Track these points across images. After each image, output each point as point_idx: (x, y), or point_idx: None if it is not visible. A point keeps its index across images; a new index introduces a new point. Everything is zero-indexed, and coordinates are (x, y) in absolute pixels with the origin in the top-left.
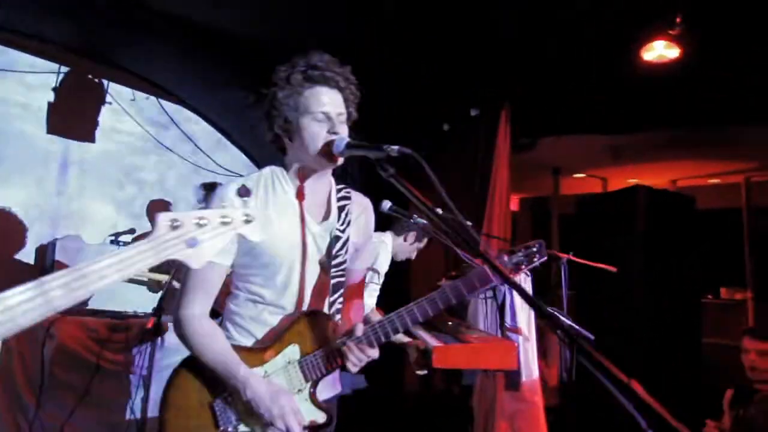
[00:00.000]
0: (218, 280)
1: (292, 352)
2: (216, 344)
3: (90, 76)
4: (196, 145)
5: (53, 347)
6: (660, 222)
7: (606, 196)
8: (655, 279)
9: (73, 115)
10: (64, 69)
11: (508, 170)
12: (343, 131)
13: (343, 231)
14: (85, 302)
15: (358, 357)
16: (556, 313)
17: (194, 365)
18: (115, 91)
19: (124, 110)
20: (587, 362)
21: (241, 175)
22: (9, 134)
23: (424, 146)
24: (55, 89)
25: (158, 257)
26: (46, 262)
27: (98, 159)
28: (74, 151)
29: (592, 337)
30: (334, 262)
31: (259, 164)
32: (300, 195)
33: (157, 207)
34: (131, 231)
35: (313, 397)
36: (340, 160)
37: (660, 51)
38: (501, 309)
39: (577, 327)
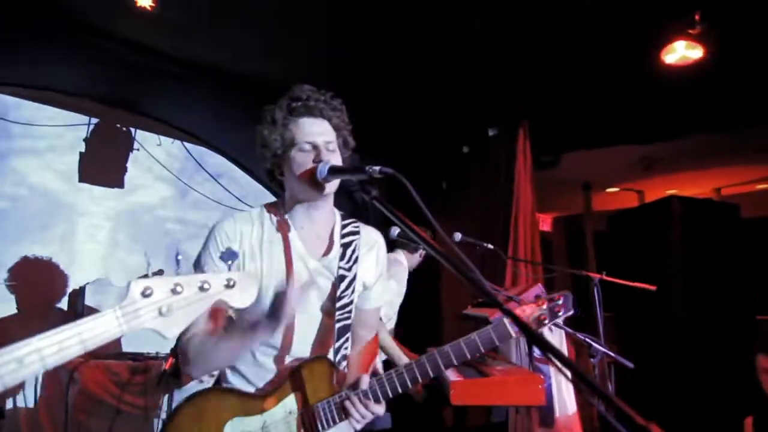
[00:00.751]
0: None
1: (292, 402)
2: (217, 342)
3: (118, 125)
4: (220, 184)
5: (76, 392)
6: (700, 234)
7: (639, 210)
8: (698, 296)
9: (103, 164)
10: (94, 120)
11: (532, 189)
12: (334, 159)
13: (348, 269)
14: (118, 343)
15: (362, 413)
16: (588, 339)
17: (191, 404)
18: (142, 137)
19: (151, 155)
20: (600, 405)
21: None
22: (37, 189)
23: (445, 170)
24: (85, 140)
25: (128, 326)
26: (78, 308)
27: (127, 205)
28: (101, 200)
29: (631, 365)
30: (338, 304)
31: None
32: (281, 227)
33: None
34: (160, 272)
35: None
36: (328, 188)
37: (682, 52)
38: None
39: (613, 354)
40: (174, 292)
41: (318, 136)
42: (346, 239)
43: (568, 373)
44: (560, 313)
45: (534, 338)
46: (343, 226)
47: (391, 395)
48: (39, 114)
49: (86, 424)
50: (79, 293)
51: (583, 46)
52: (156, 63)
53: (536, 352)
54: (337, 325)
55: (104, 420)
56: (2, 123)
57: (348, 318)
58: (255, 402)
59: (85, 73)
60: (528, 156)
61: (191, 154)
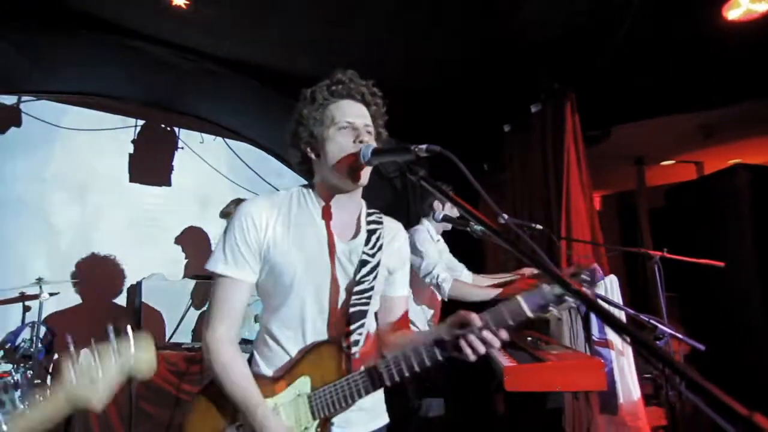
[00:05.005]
0: (241, 299)
1: (302, 384)
2: (234, 374)
3: (162, 125)
4: (263, 179)
5: (138, 381)
6: None
7: (699, 182)
8: None
9: (150, 164)
10: (140, 122)
11: (584, 166)
12: (371, 143)
13: (372, 255)
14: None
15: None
16: (653, 321)
17: (212, 391)
18: (185, 135)
19: (195, 153)
20: (691, 392)
21: None
22: (90, 191)
23: (485, 151)
24: (133, 141)
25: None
26: (136, 304)
27: (174, 202)
28: (152, 198)
29: (702, 347)
30: (356, 289)
31: None
32: (326, 215)
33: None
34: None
35: None
36: (363, 178)
37: (746, 6)
38: (586, 320)
39: (682, 336)
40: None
41: (358, 118)
42: (372, 226)
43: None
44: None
45: (609, 320)
46: (368, 214)
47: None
48: (87, 118)
49: (149, 412)
50: (137, 289)
51: (632, 5)
52: (196, 62)
53: (595, 335)
54: (351, 310)
55: (166, 408)
56: (54, 129)
57: (365, 304)
58: (268, 386)
59: (127, 77)
60: (578, 131)
61: (233, 150)
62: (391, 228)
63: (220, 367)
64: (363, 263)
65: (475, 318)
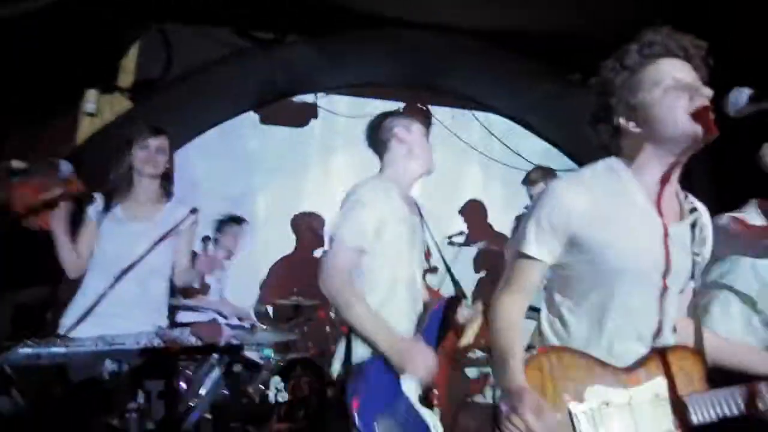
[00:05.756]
0: (535, 278)
1: (660, 386)
2: (506, 333)
3: (419, 105)
4: (513, 151)
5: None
6: None
7: None
8: None
9: None
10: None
11: None
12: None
13: (700, 246)
14: None
15: None
16: None
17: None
18: (435, 111)
19: (447, 129)
20: None
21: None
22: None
23: None
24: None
25: None
26: None
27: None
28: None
29: None
30: (692, 284)
31: (573, 156)
32: (653, 192)
33: (474, 208)
34: (461, 233)
35: None
36: (715, 132)
37: None
38: None
39: None
40: None
41: (684, 75)
42: (691, 207)
43: None
44: None
45: None
46: (685, 195)
47: None
48: (358, 105)
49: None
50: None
51: None
52: (448, 39)
53: None
54: (679, 303)
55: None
56: (337, 118)
57: (685, 294)
58: (617, 373)
59: (392, 63)
60: None
61: (481, 122)
62: (707, 214)
63: (497, 325)
64: (695, 254)
65: None
